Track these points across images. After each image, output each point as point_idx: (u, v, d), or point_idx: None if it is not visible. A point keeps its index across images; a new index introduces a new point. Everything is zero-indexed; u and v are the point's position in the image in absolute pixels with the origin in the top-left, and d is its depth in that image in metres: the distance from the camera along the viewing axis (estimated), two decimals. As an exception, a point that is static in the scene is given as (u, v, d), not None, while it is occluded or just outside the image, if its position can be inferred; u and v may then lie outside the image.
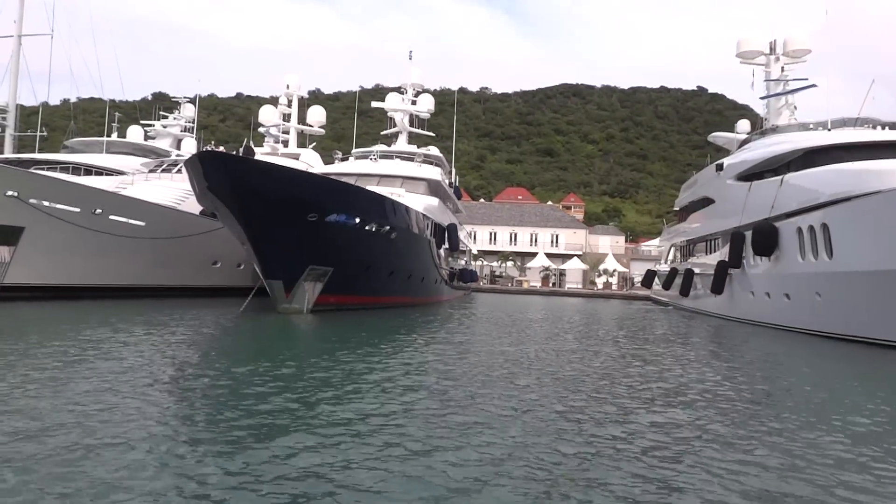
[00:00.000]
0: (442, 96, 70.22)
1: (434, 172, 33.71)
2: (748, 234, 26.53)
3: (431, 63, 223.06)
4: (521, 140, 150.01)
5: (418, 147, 38.06)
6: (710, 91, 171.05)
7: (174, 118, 44.20)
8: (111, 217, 23.55)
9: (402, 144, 38.58)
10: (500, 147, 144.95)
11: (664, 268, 45.59)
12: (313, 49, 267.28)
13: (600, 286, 61.84)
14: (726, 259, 29.10)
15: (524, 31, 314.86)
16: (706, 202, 34.83)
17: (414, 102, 40.63)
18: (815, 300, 21.75)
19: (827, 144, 24.25)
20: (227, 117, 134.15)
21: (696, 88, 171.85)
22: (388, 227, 23.27)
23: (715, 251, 34.16)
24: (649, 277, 49.92)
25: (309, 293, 21.67)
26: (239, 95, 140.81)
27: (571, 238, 71.91)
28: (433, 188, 32.31)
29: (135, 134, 41.06)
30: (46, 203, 21.64)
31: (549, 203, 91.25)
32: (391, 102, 40.26)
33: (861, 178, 19.73)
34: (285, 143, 42.92)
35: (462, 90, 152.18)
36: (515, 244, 70.17)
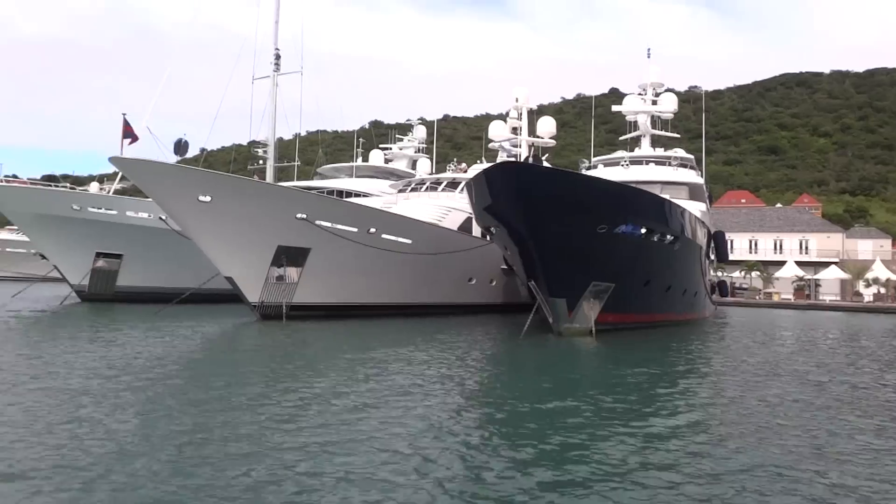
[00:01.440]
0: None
1: (692, 175, 30.68)
2: None
3: (633, 67, 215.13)
4: (740, 139, 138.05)
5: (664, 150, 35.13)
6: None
7: (408, 140, 45.50)
8: (383, 236, 23.84)
9: (646, 148, 35.88)
10: (715, 148, 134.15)
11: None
12: (510, 65, 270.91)
13: (869, 297, 53.29)
14: None
15: (729, 23, 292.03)
16: None
17: (654, 103, 37.77)
18: None
19: None
20: (437, 138, 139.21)
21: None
22: (671, 237, 20.93)
23: None
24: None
25: (591, 312, 19.96)
26: (446, 117, 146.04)
27: (825, 243, 63.20)
28: (694, 192, 29.26)
29: (376, 158, 42.77)
30: (329, 224, 22.32)
31: (795, 204, 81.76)
32: (631, 105, 37.76)
33: None
34: (517, 158, 42.14)
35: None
36: (755, 251, 63.28)
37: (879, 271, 54.71)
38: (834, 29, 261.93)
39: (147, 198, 33.80)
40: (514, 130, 43.68)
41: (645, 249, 19.93)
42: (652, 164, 30.70)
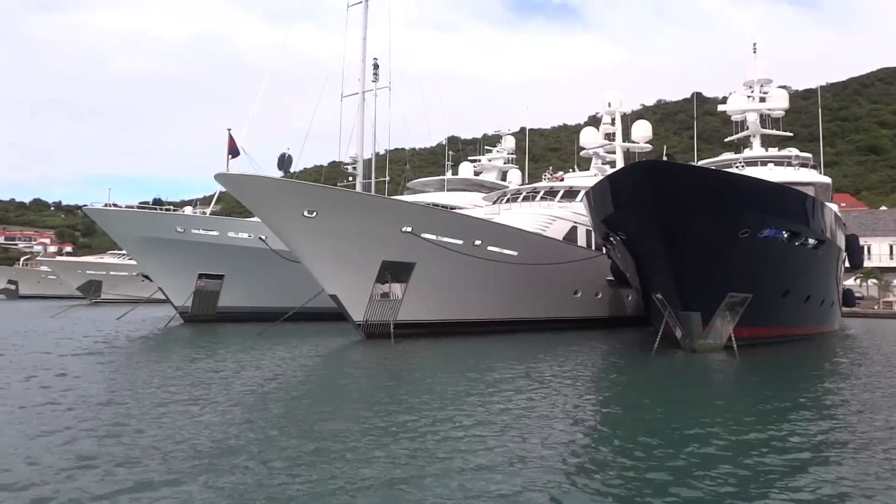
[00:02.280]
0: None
1: (816, 175, 28.24)
2: None
3: (717, 69, 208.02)
4: (835, 139, 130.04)
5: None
6: None
7: (497, 151, 44.51)
8: (489, 248, 22.73)
9: (757, 149, 33.47)
10: (809, 149, 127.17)
11: None
12: (586, 75, 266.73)
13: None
14: None
15: (816, 19, 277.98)
16: None
17: (762, 100, 35.30)
18: None
19: None
20: (515, 150, 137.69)
21: None
22: (814, 241, 18.89)
23: None
24: None
25: (726, 326, 18.12)
26: (522, 129, 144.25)
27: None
28: (821, 193, 26.79)
29: (465, 170, 41.97)
30: (434, 237, 21.40)
31: (898, 207, 75.79)
32: (736, 103, 35.47)
33: None
34: (612, 164, 40.40)
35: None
36: (870, 258, 58.60)
37: None
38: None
39: (247, 218, 34.40)
40: (607, 136, 42.06)
41: (788, 255, 18.01)
42: (771, 165, 28.44)
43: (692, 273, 16.56)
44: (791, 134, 35.75)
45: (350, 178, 42.99)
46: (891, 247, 60.38)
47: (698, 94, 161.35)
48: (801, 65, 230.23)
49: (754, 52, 36.29)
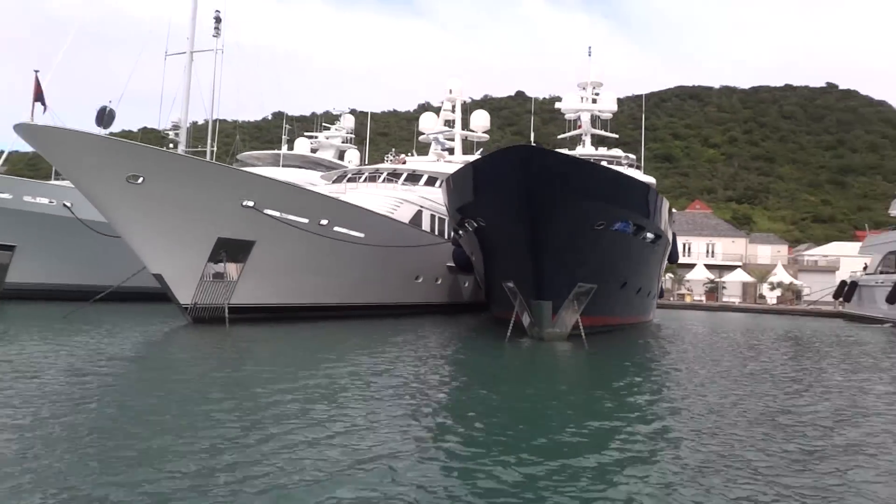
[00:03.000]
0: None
1: (641, 176, 30.26)
2: None
3: (534, 72, 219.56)
4: (637, 145, 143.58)
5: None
6: (840, 87, 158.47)
7: (336, 129, 42.80)
8: (336, 228, 21.39)
9: (588, 148, 35.28)
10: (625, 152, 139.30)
11: (880, 279, 39.84)
12: (416, 63, 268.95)
13: (773, 300, 55.92)
14: None
15: (628, 34, 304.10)
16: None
17: (594, 101, 37.30)
18: None
19: None
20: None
21: (825, 85, 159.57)
22: (653, 236, 19.95)
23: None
24: (850, 290, 44.08)
25: (571, 315, 18.52)
26: (353, 111, 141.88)
27: (730, 247, 66.12)
28: (647, 193, 28.74)
29: (302, 146, 39.82)
30: (278, 214, 19.63)
31: (688, 210, 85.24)
32: (570, 102, 37.12)
33: None
34: (450, 151, 40.56)
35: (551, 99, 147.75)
36: (688, 255, 64.96)
37: (781, 275, 57.63)
38: (722, 46, 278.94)
39: (48, 180, 29.53)
40: (447, 123, 42.16)
41: (633, 248, 18.82)
42: (604, 163, 29.92)
43: (550, 262, 16.64)
44: (618, 136, 38.13)
45: (171, 146, 38.98)
46: (707, 245, 67.29)
47: (521, 93, 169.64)
48: (613, 76, 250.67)
49: (589, 55, 38.16)
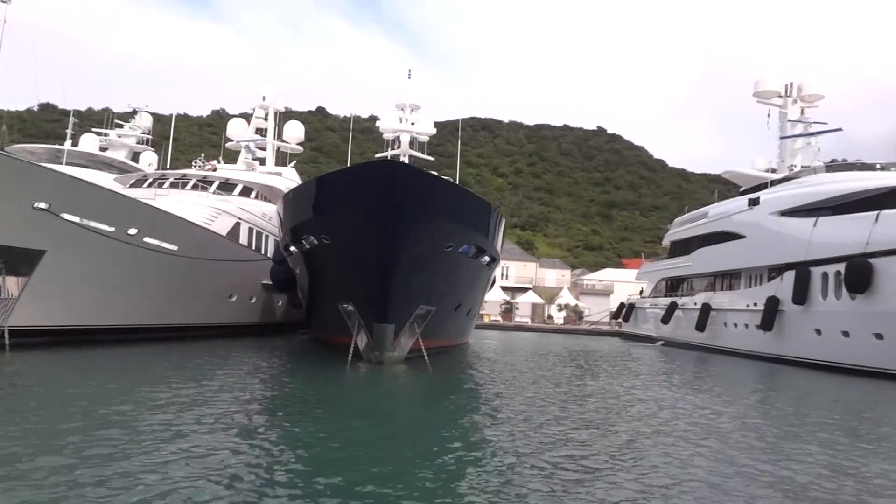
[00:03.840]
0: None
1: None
2: (819, 271, 25.88)
3: (335, 93, 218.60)
4: (434, 170, 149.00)
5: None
6: (608, 131, 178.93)
7: (130, 128, 38.36)
8: (146, 238, 18.76)
9: (408, 168, 35.36)
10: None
11: (653, 302, 44.93)
12: (211, 68, 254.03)
13: (560, 321, 60.61)
14: (776, 295, 28.46)
15: (427, 64, 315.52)
16: (728, 237, 34.31)
17: (413, 123, 37.62)
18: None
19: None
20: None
21: (596, 128, 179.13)
22: (489, 259, 20.25)
23: (737, 287, 33.87)
24: (628, 311, 49.20)
25: (409, 338, 18.03)
26: (136, 111, 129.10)
27: (522, 270, 70.59)
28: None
29: (89, 143, 35.01)
30: (78, 219, 16.71)
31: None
32: (389, 122, 37.01)
33: None
34: (261, 161, 38.34)
35: (357, 118, 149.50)
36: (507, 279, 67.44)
37: (567, 297, 62.75)
38: (513, 83, 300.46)
39: None
40: (258, 131, 39.91)
41: (473, 271, 18.90)
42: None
43: (399, 284, 16.01)
44: (433, 159, 38.78)
45: None
46: (503, 268, 70.54)
47: (322, 109, 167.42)
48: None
49: (409, 77, 38.49)
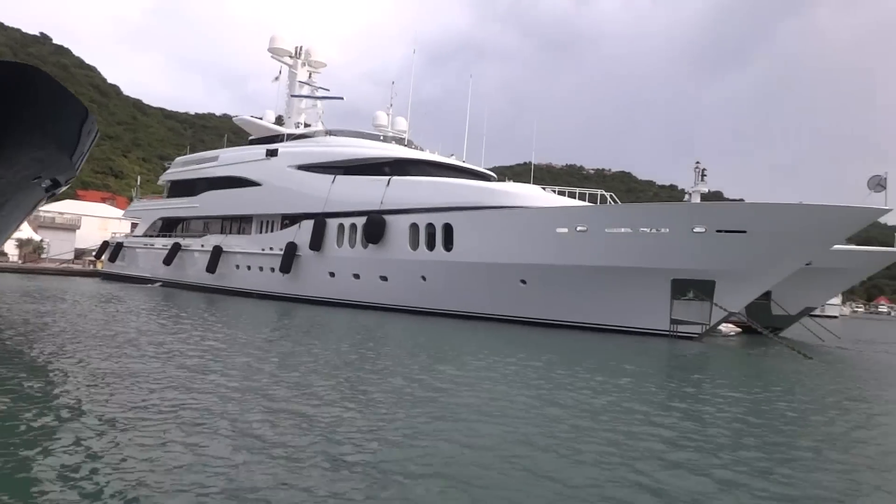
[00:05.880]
0: None
1: None
2: (335, 222, 29.85)
3: None
4: None
5: None
6: (55, 41, 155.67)
7: None
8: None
9: None
10: None
11: (148, 242, 42.92)
12: None
13: (15, 258, 51.32)
14: (294, 241, 31.46)
15: None
16: (241, 182, 35.58)
17: None
18: (420, 283, 27.15)
19: (416, 158, 30.34)
20: None
21: (39, 34, 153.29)
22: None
23: (248, 232, 35.93)
24: (115, 251, 45.62)
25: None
26: None
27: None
28: None
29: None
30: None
31: None
32: None
33: (482, 194, 26.07)
34: None
35: None
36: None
37: (27, 231, 53.84)
38: None
39: None
40: None
41: None
42: None
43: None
44: None
45: None
46: None
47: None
48: None
49: None
